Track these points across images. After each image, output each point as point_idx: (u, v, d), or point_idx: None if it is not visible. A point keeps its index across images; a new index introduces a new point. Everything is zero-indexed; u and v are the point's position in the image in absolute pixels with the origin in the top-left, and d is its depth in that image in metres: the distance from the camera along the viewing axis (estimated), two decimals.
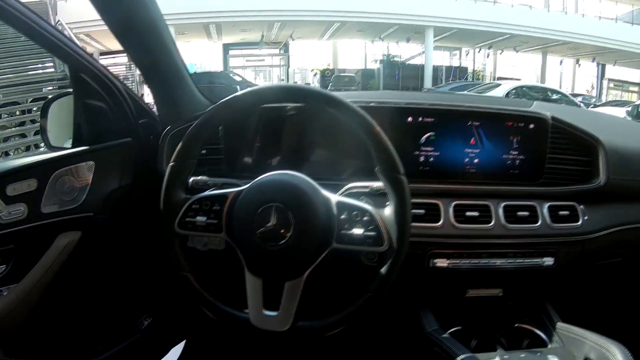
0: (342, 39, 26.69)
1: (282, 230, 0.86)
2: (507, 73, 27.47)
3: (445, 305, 1.33)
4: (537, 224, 1.24)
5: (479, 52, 26.84)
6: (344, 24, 21.42)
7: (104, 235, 1.23)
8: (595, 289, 1.61)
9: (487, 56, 27.44)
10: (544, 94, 13.61)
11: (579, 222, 1.28)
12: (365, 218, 0.89)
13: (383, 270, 0.91)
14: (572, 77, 27.44)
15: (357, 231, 0.89)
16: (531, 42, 22.98)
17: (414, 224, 1.07)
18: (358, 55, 27.98)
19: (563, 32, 21.02)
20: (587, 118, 1.53)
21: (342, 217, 0.90)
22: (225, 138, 1.25)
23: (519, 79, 21.16)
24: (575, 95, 18.24)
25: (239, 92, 0.94)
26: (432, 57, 22.26)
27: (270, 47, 24.90)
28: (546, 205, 1.26)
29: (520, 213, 1.24)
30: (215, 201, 0.92)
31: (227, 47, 25.10)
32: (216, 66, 24.92)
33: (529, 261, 1.26)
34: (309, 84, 25.63)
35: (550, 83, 24.26)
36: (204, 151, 1.19)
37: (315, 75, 26.09)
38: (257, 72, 27.63)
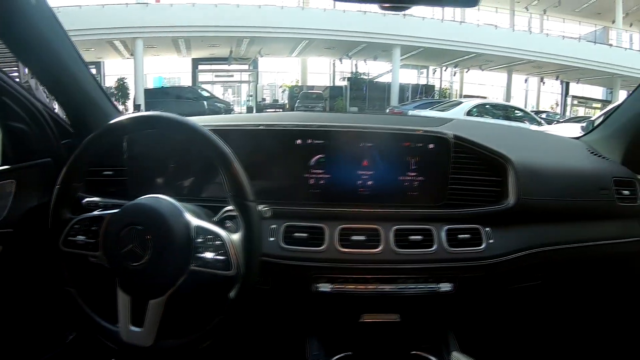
0: (311, 56, 26.95)
1: (141, 251, 0.91)
2: (474, 91, 28.07)
3: (336, 331, 1.30)
4: (432, 249, 1.19)
5: (445, 70, 27.31)
6: (312, 41, 21.61)
7: (24, 250, 1.25)
8: (511, 313, 1.55)
9: (454, 74, 27.93)
10: (505, 111, 13.77)
11: (482, 246, 1.22)
12: (217, 242, 0.93)
13: (232, 294, 0.94)
14: (537, 95, 28.32)
15: (209, 255, 0.93)
16: (496, 60, 23.51)
17: (297, 248, 1.15)
18: (327, 72, 28.29)
19: (528, 51, 21.56)
20: (499, 135, 1.51)
21: (199, 240, 0.93)
22: (130, 160, 1.26)
23: (484, 97, 21.62)
24: (539, 112, 18.72)
25: (106, 125, 1.03)
26: (399, 75, 22.55)
27: (239, 63, 24.98)
28: (444, 228, 1.22)
29: (412, 237, 1.19)
30: (94, 221, 0.98)
31: (196, 62, 25.13)
32: (186, 80, 25.12)
33: (422, 287, 1.21)
34: (277, 100, 25.72)
35: (516, 101, 24.93)
36: (110, 172, 1.26)
37: (283, 91, 26.28)
38: (226, 88, 27.70)
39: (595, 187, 1.41)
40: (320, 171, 1.24)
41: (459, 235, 1.21)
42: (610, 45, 23.92)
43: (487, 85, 28.71)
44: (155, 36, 18.80)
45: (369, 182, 1.25)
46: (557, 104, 28.13)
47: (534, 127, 10.06)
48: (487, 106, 14.07)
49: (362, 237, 1.18)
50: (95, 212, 1.00)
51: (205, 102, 18.71)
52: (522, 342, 1.62)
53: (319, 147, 1.23)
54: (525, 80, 27.16)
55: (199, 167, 1.23)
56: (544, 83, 27.41)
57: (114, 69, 24.03)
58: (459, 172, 1.28)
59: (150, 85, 22.61)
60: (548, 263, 1.38)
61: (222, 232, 0.94)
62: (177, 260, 0.93)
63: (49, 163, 1.28)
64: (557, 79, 26.53)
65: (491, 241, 1.23)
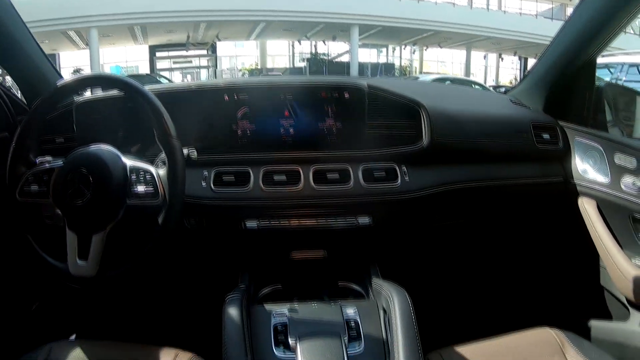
0: (270, 39, 26.83)
1: (85, 190, 1.03)
2: (435, 68, 28.48)
3: (267, 266, 1.40)
4: (349, 184, 1.31)
5: (404, 48, 27.61)
6: (270, 24, 21.50)
7: None
8: (438, 249, 1.70)
9: (414, 52, 28.25)
10: (462, 85, 14.25)
11: (398, 182, 1.34)
12: (147, 176, 1.06)
13: (160, 220, 1.06)
14: (496, 71, 28.93)
15: (141, 188, 1.06)
16: (455, 38, 23.91)
17: (225, 189, 1.27)
18: (287, 54, 28.26)
19: (486, 28, 21.92)
20: (416, 88, 1.64)
21: (133, 177, 1.06)
22: (78, 128, 1.35)
23: (444, 73, 22.07)
24: (498, 87, 19.22)
25: (54, 86, 1.14)
26: (358, 54, 22.55)
27: (197, 48, 24.77)
28: (361, 167, 1.34)
29: (330, 175, 1.31)
30: (44, 173, 1.10)
31: (153, 49, 24.71)
32: (143, 68, 24.69)
33: (342, 220, 1.33)
34: None
35: (477, 77, 25.46)
36: (61, 139, 1.36)
37: (243, 75, 25.91)
38: (185, 74, 27.23)
39: (512, 130, 1.57)
40: (246, 122, 1.35)
41: (375, 173, 1.34)
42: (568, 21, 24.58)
43: (448, 62, 29.25)
44: (110, 24, 18.36)
45: (291, 130, 1.36)
46: (515, 79, 28.71)
47: None
48: (444, 81, 14.49)
49: (283, 177, 1.30)
50: (47, 165, 1.11)
51: None
52: (446, 275, 1.78)
53: (244, 101, 1.34)
54: (484, 57, 27.76)
55: (142, 134, 1.31)
56: (502, 59, 27.98)
57: (70, 61, 23.49)
58: (376, 117, 1.40)
59: None
60: (469, 200, 1.53)
61: (151, 168, 1.08)
62: (115, 196, 1.05)
63: (6, 137, 1.37)
64: (515, 54, 27.11)
65: (407, 178, 1.35)
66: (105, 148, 1.08)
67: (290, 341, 1.04)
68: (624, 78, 5.20)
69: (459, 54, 28.05)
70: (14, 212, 1.11)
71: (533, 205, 1.66)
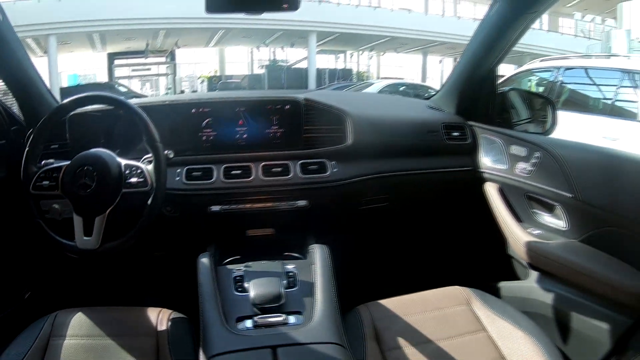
0: (229, 46, 27.03)
1: (90, 182, 1.28)
2: (392, 73, 29.14)
3: (229, 242, 1.64)
4: (289, 176, 1.62)
5: (361, 54, 28.27)
6: (228, 31, 21.77)
7: None
8: (366, 226, 1.96)
9: (371, 58, 28.97)
10: (415, 90, 14.88)
11: (327, 173, 1.66)
12: (139, 171, 1.34)
13: (149, 202, 1.32)
14: (440, 75, 29.01)
15: (134, 179, 1.33)
16: (411, 43, 24.61)
17: (194, 182, 1.57)
18: (246, 61, 28.32)
19: (441, 34, 22.63)
20: (347, 99, 1.94)
21: (127, 172, 1.33)
22: (71, 137, 1.62)
23: (401, 78, 22.57)
24: None
25: (57, 105, 1.41)
26: (316, 60, 23.16)
27: (156, 56, 24.60)
28: (298, 162, 1.65)
29: (274, 169, 1.62)
30: (54, 170, 1.33)
31: (112, 57, 24.25)
32: (102, 76, 24.31)
33: (285, 204, 1.64)
34: (195, 91, 25.10)
35: (433, 81, 25.89)
36: (56, 145, 1.59)
37: (202, 82, 26.02)
38: (144, 82, 27.06)
39: (424, 130, 1.89)
40: (209, 130, 1.66)
41: (310, 167, 1.65)
42: None
43: (405, 67, 29.82)
44: (69, 32, 18.23)
45: (245, 135, 1.68)
46: None
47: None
48: (398, 86, 15.04)
49: (239, 172, 1.60)
50: (54, 164, 1.35)
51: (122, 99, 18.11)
52: (375, 245, 2.08)
53: (207, 113, 1.66)
54: (440, 61, 28.22)
55: (123, 140, 1.58)
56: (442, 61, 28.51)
57: None
58: (309, 123, 1.72)
59: (65, 84, 21.46)
60: (389, 187, 1.83)
61: (141, 164, 1.36)
62: (113, 187, 1.31)
63: (3, 144, 1.60)
64: None
65: (335, 170, 1.67)
66: (103, 150, 1.34)
67: (245, 285, 1.31)
68: (561, 79, 5.84)
69: (416, 58, 28.68)
70: (28, 203, 1.33)
71: (447, 190, 1.96)
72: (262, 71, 25.55)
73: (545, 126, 1.88)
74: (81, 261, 1.63)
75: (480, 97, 1.94)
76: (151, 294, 1.69)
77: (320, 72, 24.00)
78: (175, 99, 1.70)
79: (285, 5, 1.17)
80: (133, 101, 1.59)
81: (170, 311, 1.36)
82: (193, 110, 1.65)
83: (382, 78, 24.29)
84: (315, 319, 1.18)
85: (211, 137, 1.66)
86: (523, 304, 1.61)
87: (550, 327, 1.50)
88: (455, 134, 1.92)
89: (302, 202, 1.64)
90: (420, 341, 1.31)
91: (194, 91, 24.58)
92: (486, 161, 1.89)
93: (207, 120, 1.65)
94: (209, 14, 1.13)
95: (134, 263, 1.88)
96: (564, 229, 1.57)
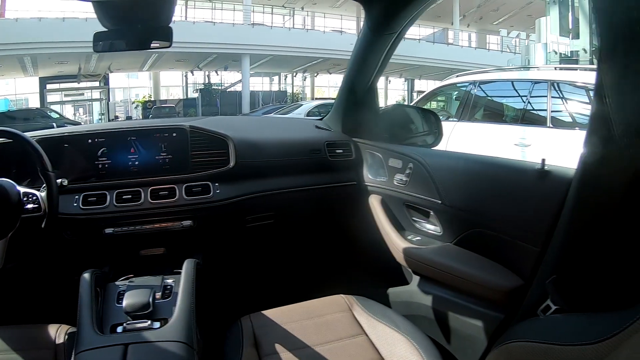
0: (162, 70, 26.88)
1: None
2: (328, 93, 30.14)
3: (124, 262, 1.67)
4: (175, 198, 1.69)
5: (295, 76, 28.91)
6: (162, 55, 21.76)
7: None
8: (252, 243, 2.00)
9: (304, 79, 29.53)
10: None
11: (210, 194, 1.72)
12: (34, 198, 1.43)
13: (42, 225, 1.44)
14: (385, 92, 30.31)
15: (30, 205, 1.42)
16: (343, 64, 24.47)
17: (89, 207, 1.63)
18: (181, 84, 28.37)
19: None
20: (225, 124, 1.96)
21: (24, 199, 1.42)
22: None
23: (334, 99, 23.18)
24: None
25: None
26: (249, 83, 23.47)
27: (89, 80, 24.29)
28: (183, 186, 1.72)
29: (161, 193, 1.69)
30: None
31: (43, 81, 23.77)
32: (34, 102, 23.70)
33: (171, 224, 1.71)
34: (130, 117, 25.21)
35: None
36: None
37: (136, 107, 25.97)
38: (77, 107, 26.39)
39: (307, 149, 1.97)
40: (104, 159, 1.72)
41: (194, 189, 1.73)
42: (449, 44, 26.80)
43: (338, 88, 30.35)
44: None
45: (136, 162, 1.74)
46: (403, 100, 30.67)
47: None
48: (329, 106, 15.59)
49: (130, 196, 1.67)
50: None
51: (54, 124, 17.34)
52: (260, 259, 2.14)
53: (102, 143, 1.72)
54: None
55: (30, 170, 1.59)
56: (390, 82, 29.82)
57: None
58: (197, 148, 1.78)
59: None
60: (274, 204, 1.90)
61: (35, 191, 1.44)
62: (13, 213, 1.37)
63: None
64: (400, 76, 29.18)
65: (218, 191, 1.74)
66: (3, 180, 1.40)
67: (124, 295, 1.34)
68: (475, 92, 6.06)
69: None
70: None
71: (333, 204, 2.05)
72: (196, 95, 26.05)
73: (432, 138, 1.98)
74: None
75: (363, 114, 2.05)
76: (53, 311, 1.70)
77: (254, 95, 24.58)
78: (72, 131, 1.76)
79: (157, 44, 1.48)
80: (34, 133, 1.70)
81: (68, 326, 1.43)
82: (89, 141, 1.71)
83: (317, 99, 24.88)
84: (170, 322, 1.25)
85: (106, 165, 1.72)
86: (408, 307, 1.71)
87: (433, 328, 1.58)
88: (339, 151, 2.02)
89: (187, 222, 1.71)
90: (298, 346, 1.36)
91: (129, 117, 24.51)
92: (369, 175, 2.00)
93: (102, 149, 1.72)
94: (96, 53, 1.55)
95: (40, 283, 1.93)
96: (439, 233, 1.68)
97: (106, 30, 1.55)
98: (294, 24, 25.02)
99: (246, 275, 2.09)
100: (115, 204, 1.65)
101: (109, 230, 1.66)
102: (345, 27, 26.72)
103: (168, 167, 1.76)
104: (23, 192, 1.43)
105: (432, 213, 1.69)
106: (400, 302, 1.79)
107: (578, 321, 0.78)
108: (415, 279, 1.73)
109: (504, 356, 0.82)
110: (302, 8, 27.11)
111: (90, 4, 1.43)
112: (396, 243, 1.76)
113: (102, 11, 1.47)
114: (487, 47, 29.26)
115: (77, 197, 1.65)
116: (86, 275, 1.42)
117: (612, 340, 0.61)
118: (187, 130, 1.78)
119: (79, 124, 19.30)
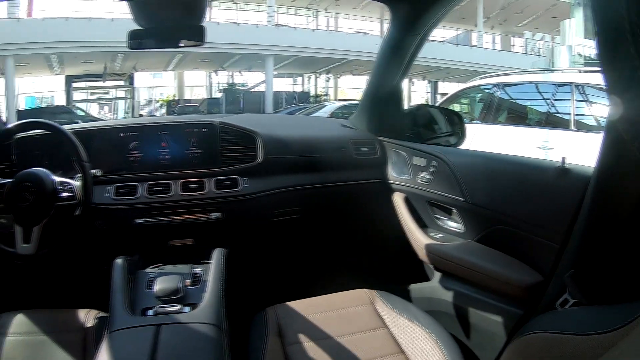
0: (187, 70, 27.12)
1: (28, 196, 1.44)
2: (351, 95, 29.91)
3: (154, 251, 1.71)
4: (204, 191, 1.73)
5: (319, 77, 28.90)
6: (186, 55, 21.97)
7: None
8: (279, 236, 2.04)
9: (328, 81, 29.62)
10: None
11: (239, 188, 1.76)
12: (69, 187, 1.50)
13: (77, 213, 1.50)
14: (408, 95, 29.77)
15: (65, 194, 1.48)
16: (367, 66, 24.47)
17: (121, 198, 1.69)
18: (205, 84, 28.48)
19: None
20: (253, 121, 1.99)
21: (59, 188, 1.49)
22: (17, 157, 1.73)
23: (357, 100, 23.11)
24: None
25: (3, 128, 1.56)
26: (273, 83, 23.43)
27: (114, 79, 24.57)
28: (213, 179, 1.76)
29: (191, 185, 1.73)
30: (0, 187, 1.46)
31: (70, 80, 24.16)
32: (60, 99, 24.07)
33: (201, 216, 1.74)
34: (154, 115, 24.90)
35: None
36: (3, 166, 1.69)
37: (160, 106, 26.24)
38: (102, 105, 27.23)
39: (334, 147, 2.01)
40: (136, 151, 1.78)
41: (223, 182, 1.76)
42: (472, 46, 26.46)
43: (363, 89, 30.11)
44: (26, 53, 17.92)
45: (167, 156, 1.80)
46: (427, 101, 29.66)
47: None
48: (352, 107, 15.41)
49: (160, 188, 1.71)
50: (0, 182, 1.48)
51: (79, 121, 17.29)
52: (287, 253, 2.17)
53: (134, 137, 1.78)
54: None
55: (63, 160, 1.67)
56: (413, 83, 29.51)
57: None
58: (224, 144, 1.83)
59: (23, 106, 21.35)
60: (300, 199, 1.93)
61: (71, 180, 1.50)
62: (48, 200, 1.44)
63: None
64: (424, 79, 28.90)
65: (246, 185, 1.78)
66: (40, 169, 1.48)
67: (155, 281, 1.39)
68: (498, 94, 6.09)
69: None
70: None
71: (357, 200, 2.07)
72: (220, 95, 26.17)
73: (455, 139, 2.05)
74: (24, 267, 1.84)
75: (388, 114, 2.09)
76: (83, 296, 1.75)
77: (277, 95, 24.51)
78: (106, 125, 1.85)
79: (190, 42, 1.58)
80: (70, 126, 1.78)
81: (97, 311, 1.51)
82: (122, 135, 1.78)
83: (339, 100, 24.87)
84: (200, 306, 1.28)
85: (138, 158, 1.78)
86: (429, 303, 1.75)
87: (453, 323, 1.62)
88: (364, 149, 2.05)
89: (215, 215, 1.75)
90: (321, 337, 1.40)
91: (152, 115, 24.69)
92: (394, 173, 2.04)
93: (134, 143, 1.78)
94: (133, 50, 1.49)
95: (71, 270, 2.00)
96: (461, 230, 1.71)
97: (141, 28, 1.61)
98: (317, 25, 24.99)
99: (272, 267, 2.13)
100: (146, 195, 1.71)
101: (139, 220, 1.70)
102: (368, 29, 26.52)
103: (197, 162, 1.82)
104: (58, 181, 1.50)
105: (454, 210, 1.72)
106: (421, 298, 1.83)
107: (594, 313, 0.81)
108: (437, 275, 1.77)
109: (523, 347, 0.84)
110: (326, 9, 27.07)
111: (125, 4, 1.47)
112: (419, 240, 1.80)
113: (137, 10, 1.53)
114: (511, 50, 28.71)
115: (109, 188, 1.70)
116: (119, 261, 1.48)
117: (625, 329, 0.64)
118: (217, 126, 1.84)
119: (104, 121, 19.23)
